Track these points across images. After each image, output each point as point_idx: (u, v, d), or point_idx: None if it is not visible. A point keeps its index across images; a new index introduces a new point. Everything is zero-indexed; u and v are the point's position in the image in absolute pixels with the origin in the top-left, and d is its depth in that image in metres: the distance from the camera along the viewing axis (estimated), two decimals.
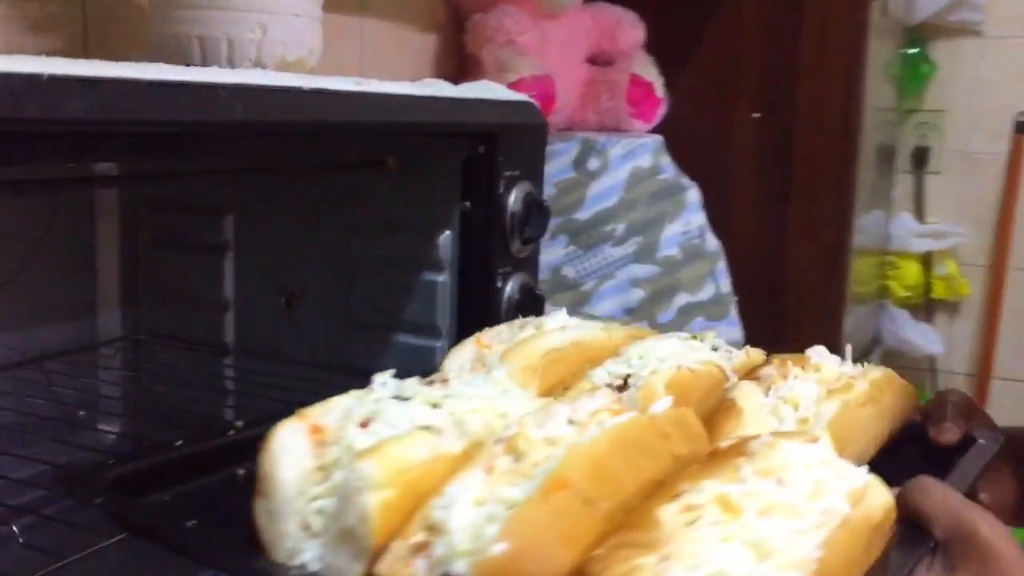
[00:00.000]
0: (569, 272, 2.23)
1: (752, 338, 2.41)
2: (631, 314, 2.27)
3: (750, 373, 1.25)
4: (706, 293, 2.32)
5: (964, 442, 1.28)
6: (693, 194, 2.27)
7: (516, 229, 1.67)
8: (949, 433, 1.27)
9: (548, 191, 2.12)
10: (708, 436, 1.13)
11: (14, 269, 1.73)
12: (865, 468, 0.99)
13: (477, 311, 1.66)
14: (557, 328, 1.37)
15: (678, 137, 2.48)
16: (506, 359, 1.27)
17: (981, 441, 1.29)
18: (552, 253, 2.22)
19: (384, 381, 1.01)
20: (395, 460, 0.87)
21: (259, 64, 1.58)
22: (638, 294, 2.21)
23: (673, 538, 0.78)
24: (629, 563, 0.75)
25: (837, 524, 0.85)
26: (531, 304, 1.75)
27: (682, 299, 2.19)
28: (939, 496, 1.00)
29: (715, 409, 1.18)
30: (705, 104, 2.63)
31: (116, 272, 1.96)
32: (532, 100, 1.80)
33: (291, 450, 0.89)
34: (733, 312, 2.27)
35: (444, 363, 1.32)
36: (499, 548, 0.78)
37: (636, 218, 2.14)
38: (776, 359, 1.29)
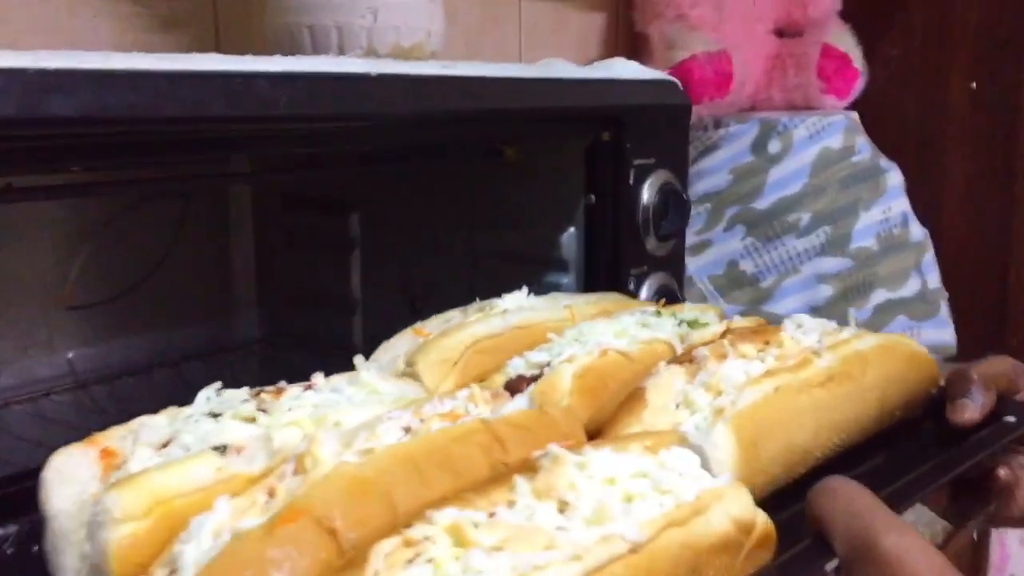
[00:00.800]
0: (747, 267, 2.03)
1: (967, 342, 2.14)
2: (818, 313, 2.09)
3: (686, 353, 1.08)
4: (909, 289, 2.04)
5: (989, 420, 1.04)
6: (894, 177, 2.06)
7: (651, 224, 1.50)
8: (965, 411, 1.03)
9: (723, 178, 1.98)
10: (607, 434, 0.99)
11: (149, 269, 1.79)
12: (727, 475, 0.82)
13: None
14: (498, 312, 1.25)
15: (877, 114, 2.24)
16: (422, 351, 1.17)
17: (1008, 419, 1.04)
18: (728, 246, 2.03)
19: (208, 396, 0.95)
20: (153, 488, 0.82)
21: (371, 52, 1.49)
22: (826, 291, 1.99)
23: None
24: None
25: (610, 557, 0.70)
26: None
27: (880, 296, 2.00)
28: (841, 501, 0.80)
29: (623, 400, 1.03)
30: (911, 76, 2.39)
31: (251, 272, 2.01)
32: (673, 79, 1.64)
33: (68, 478, 0.86)
34: (943, 311, 2.06)
35: (374, 355, 1.24)
36: None
37: (824, 206, 1.92)
38: (732, 333, 1.10)
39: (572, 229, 1.55)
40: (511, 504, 0.74)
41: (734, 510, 0.78)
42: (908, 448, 1.08)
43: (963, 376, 1.06)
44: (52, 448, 0.86)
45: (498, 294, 1.49)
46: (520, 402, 0.93)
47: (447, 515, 0.71)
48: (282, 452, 0.90)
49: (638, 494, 0.76)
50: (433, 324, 1.29)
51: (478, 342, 1.19)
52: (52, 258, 1.66)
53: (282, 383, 0.99)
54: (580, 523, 0.72)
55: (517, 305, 1.29)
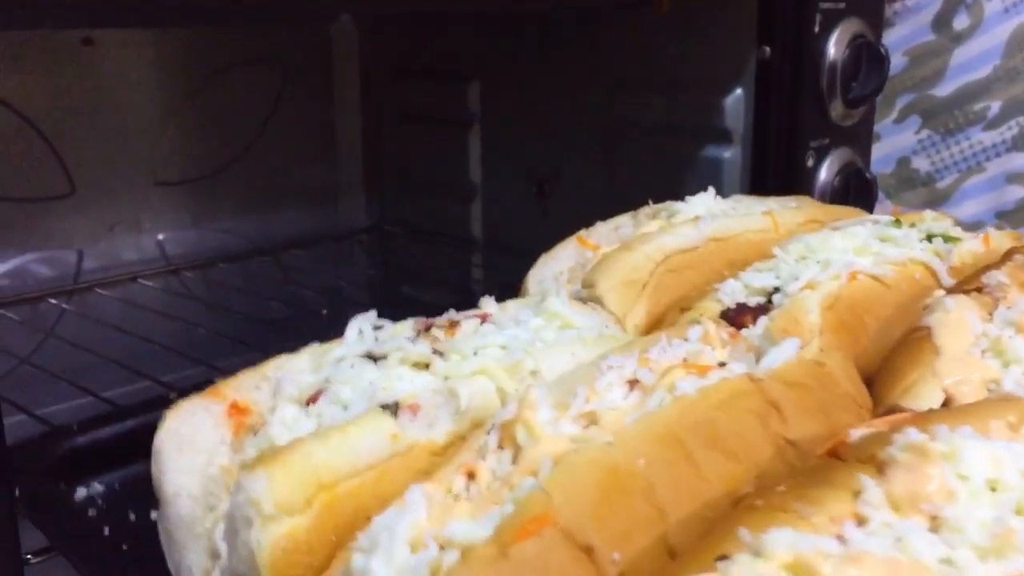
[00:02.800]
0: (922, 164, 1.74)
1: None
2: (1005, 219, 1.80)
3: (969, 280, 0.82)
4: None
5: None
6: None
7: (838, 85, 1.22)
8: None
9: (897, 61, 1.66)
10: (884, 392, 0.74)
11: (244, 145, 1.60)
12: None
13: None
14: (689, 220, 0.99)
15: None
16: (602, 270, 0.92)
17: None
18: (899, 140, 1.73)
19: (360, 329, 0.72)
20: (313, 469, 0.58)
21: None
22: (1017, 192, 1.68)
23: None
24: None
25: None
26: (859, 192, 1.27)
27: None
28: None
29: (899, 345, 0.78)
30: None
31: (357, 152, 1.79)
32: None
33: (189, 444, 0.63)
34: None
35: (530, 274, 1.00)
36: None
37: (1018, 93, 1.63)
38: (1020, 254, 0.84)
39: (739, 91, 1.25)
40: (861, 520, 0.50)
41: None
42: None
43: None
44: (136, 332, 0.65)
45: (641, 174, 1.25)
46: (787, 350, 0.68)
47: (781, 540, 0.47)
48: (471, 413, 0.66)
49: None
50: (600, 232, 1.04)
51: (669, 258, 0.94)
52: (138, 127, 1.46)
53: (451, 312, 0.75)
54: (970, 552, 0.48)
55: (707, 211, 1.03)
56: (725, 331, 0.75)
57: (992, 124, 1.67)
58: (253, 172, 1.61)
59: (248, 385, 0.67)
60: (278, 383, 0.65)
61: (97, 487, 0.80)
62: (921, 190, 1.70)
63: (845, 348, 0.79)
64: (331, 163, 1.77)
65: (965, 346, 0.74)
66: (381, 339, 0.70)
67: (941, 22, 1.68)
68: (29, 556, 0.74)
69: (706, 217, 0.99)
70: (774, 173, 1.22)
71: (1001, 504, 0.51)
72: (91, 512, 0.76)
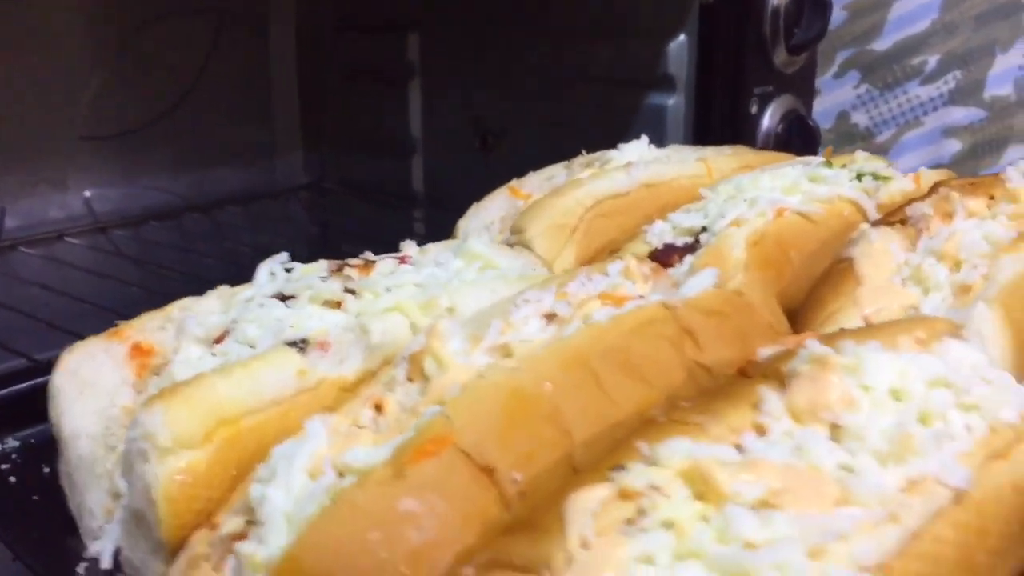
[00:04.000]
0: (860, 119, 1.74)
1: None
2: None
3: (894, 213, 0.82)
4: None
5: None
6: None
7: (781, 31, 1.20)
8: None
9: (836, 15, 1.61)
10: (806, 322, 0.74)
11: (173, 101, 1.53)
12: None
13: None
14: (621, 166, 0.98)
15: None
16: (530, 215, 0.91)
17: None
18: (838, 94, 1.74)
19: (271, 271, 0.70)
20: (213, 403, 0.57)
21: None
22: (953, 146, 1.69)
23: (575, 556, 0.43)
24: None
25: (932, 513, 0.46)
26: (801, 139, 1.25)
27: (1016, 153, 1.69)
28: None
29: (822, 276, 0.77)
30: None
31: (295, 107, 1.73)
32: None
33: (89, 386, 0.62)
34: None
35: (459, 223, 0.98)
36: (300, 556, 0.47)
37: (955, 47, 1.61)
38: (947, 187, 0.83)
39: (682, 37, 1.23)
40: (761, 430, 0.49)
41: None
42: None
43: None
44: (65, 293, 0.63)
45: (586, 123, 1.23)
46: (704, 280, 0.67)
47: (678, 449, 0.46)
48: (383, 349, 0.65)
49: (936, 413, 0.51)
50: (533, 182, 1.03)
51: (599, 203, 0.93)
52: (63, 78, 1.40)
53: (368, 254, 0.74)
54: (869, 458, 0.48)
55: (639, 158, 1.02)
56: (647, 266, 0.74)
57: (929, 78, 1.66)
58: (186, 127, 1.55)
59: (152, 327, 0.65)
60: (182, 323, 0.64)
61: (12, 443, 0.78)
62: (860, 144, 1.70)
63: (770, 282, 0.78)
64: (268, 119, 1.71)
65: (887, 275, 0.74)
66: (292, 280, 0.68)
67: None
68: None
69: (638, 163, 0.98)
70: (717, 120, 1.22)
71: (904, 412, 0.50)
72: (4, 466, 0.74)
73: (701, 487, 0.45)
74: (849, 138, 1.72)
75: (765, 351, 0.56)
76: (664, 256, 0.83)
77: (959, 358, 0.56)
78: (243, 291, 0.68)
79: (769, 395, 0.50)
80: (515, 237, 0.89)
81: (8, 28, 1.32)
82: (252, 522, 0.52)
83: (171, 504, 0.54)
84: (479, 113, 1.52)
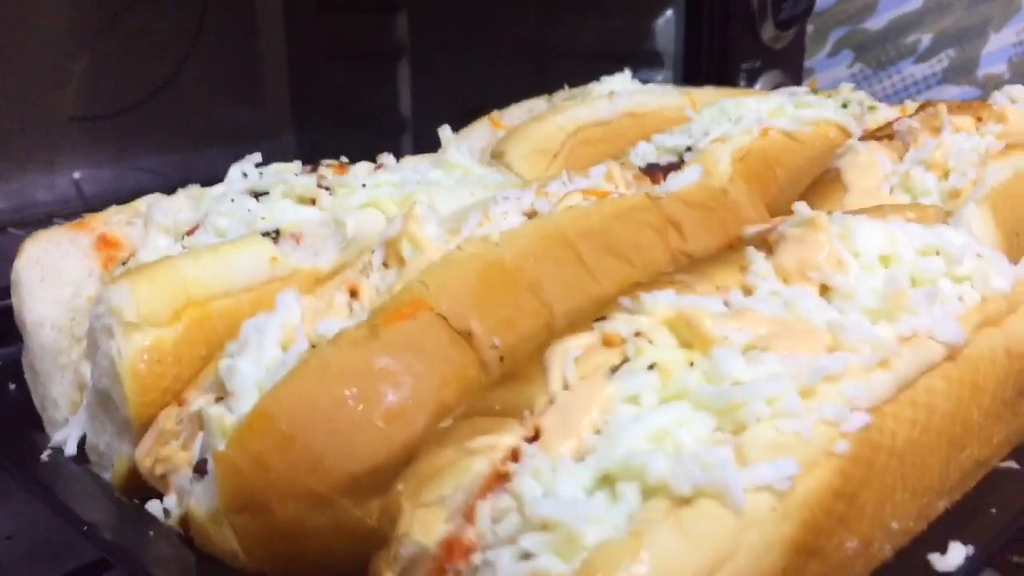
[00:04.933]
0: None
1: None
2: None
3: (881, 129, 0.80)
4: None
5: None
6: None
7: (769, 6, 1.19)
8: None
9: None
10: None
11: (163, 79, 1.48)
12: None
13: None
14: (604, 95, 0.96)
15: None
16: (511, 140, 0.89)
17: None
18: (832, 73, 1.73)
19: (243, 171, 0.68)
20: (182, 283, 0.55)
21: None
22: None
23: (557, 397, 0.41)
24: (467, 453, 0.40)
25: (925, 364, 0.44)
26: None
27: None
28: None
29: (809, 186, 0.76)
30: None
31: (284, 88, 1.68)
32: None
33: (54, 275, 0.59)
34: None
35: (442, 150, 0.96)
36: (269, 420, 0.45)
37: (949, 26, 1.61)
38: (933, 107, 0.82)
39: (669, 12, 1.22)
40: (748, 290, 0.48)
41: None
42: None
43: None
44: None
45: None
46: (689, 175, 0.65)
47: (664, 300, 0.45)
48: (358, 243, 0.62)
49: (927, 279, 0.49)
50: (514, 114, 1.01)
51: (582, 130, 0.91)
52: (50, 58, 1.36)
53: (343, 158, 0.72)
54: (860, 316, 0.46)
55: (622, 89, 1.00)
56: (630, 172, 0.72)
57: (923, 57, 1.66)
58: (175, 108, 1.52)
59: (118, 220, 0.63)
60: (150, 212, 0.62)
61: None
62: None
63: (755, 195, 0.77)
64: (257, 99, 1.66)
65: (874, 184, 0.72)
66: (264, 177, 0.67)
67: None
68: None
69: (621, 93, 0.96)
70: None
71: (893, 275, 0.48)
72: None
73: (687, 335, 0.43)
74: None
75: (752, 228, 0.54)
76: (648, 174, 0.81)
77: (949, 237, 0.55)
78: (214, 189, 0.66)
79: (756, 256, 0.49)
80: (495, 161, 0.87)
81: None
82: (223, 398, 0.50)
83: (137, 380, 0.52)
84: (468, 91, 1.48)
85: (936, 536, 0.41)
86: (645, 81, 1.25)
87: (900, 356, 0.43)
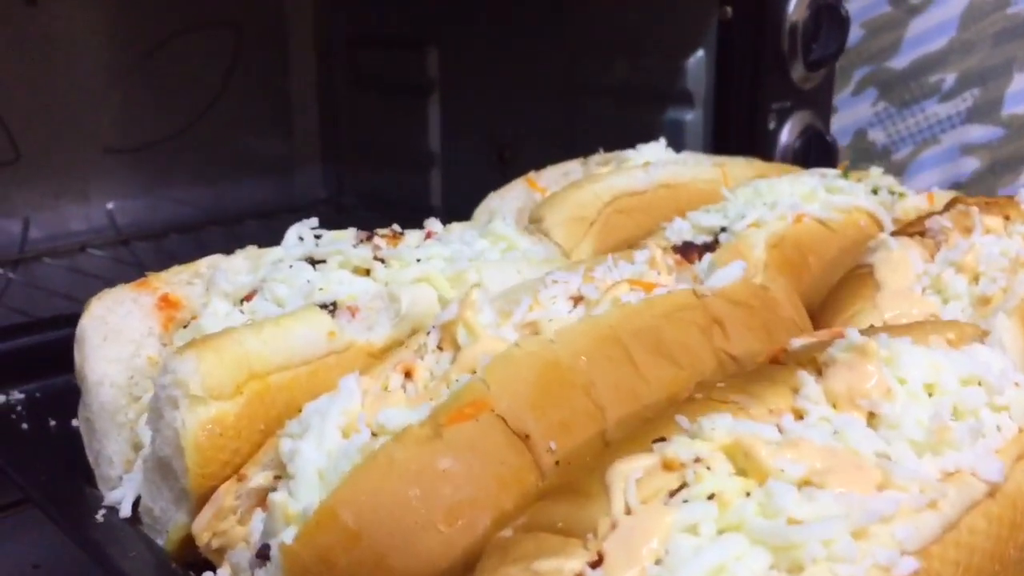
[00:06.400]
0: (878, 136, 1.71)
1: None
2: (960, 190, 1.68)
3: (913, 224, 0.83)
4: None
5: None
6: None
7: (799, 47, 1.19)
8: None
9: (853, 33, 1.60)
10: (825, 323, 0.74)
11: (194, 115, 1.51)
12: None
13: None
14: (639, 165, 0.99)
15: None
16: (550, 206, 0.91)
17: None
18: (856, 112, 1.72)
19: (299, 235, 0.70)
20: (244, 357, 0.56)
21: None
22: (971, 164, 1.66)
23: (619, 523, 0.43)
24: (535, 573, 0.41)
25: (968, 503, 0.46)
26: (819, 155, 1.24)
27: None
28: None
29: (842, 280, 0.78)
30: None
31: (314, 122, 1.73)
32: None
33: (115, 333, 0.61)
34: None
35: (478, 209, 0.98)
36: (336, 513, 0.47)
37: (973, 65, 1.64)
38: (963, 203, 0.85)
39: (701, 53, 1.22)
40: (800, 414, 0.50)
41: None
42: None
43: None
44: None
45: (603, 138, 1.19)
46: (732, 272, 0.67)
47: (720, 425, 0.47)
48: (411, 318, 0.64)
49: (969, 410, 0.51)
50: (549, 176, 1.03)
51: (617, 199, 0.93)
52: (85, 91, 1.39)
53: (395, 227, 0.74)
54: (906, 447, 0.48)
55: (657, 159, 1.02)
56: (671, 258, 0.74)
57: (947, 96, 1.66)
58: (207, 141, 1.53)
59: (180, 280, 0.65)
60: (212, 278, 0.63)
61: (17, 395, 0.77)
62: (877, 162, 1.69)
63: (789, 284, 0.79)
64: (287, 133, 1.68)
65: (906, 283, 0.74)
66: (321, 245, 0.68)
67: None
68: None
69: (656, 163, 0.98)
70: (735, 135, 1.21)
71: (938, 406, 0.51)
72: (12, 416, 0.73)
73: (743, 463, 0.45)
74: (866, 155, 1.70)
75: (797, 341, 0.56)
76: (684, 252, 0.83)
77: (987, 361, 0.57)
78: (272, 253, 0.68)
79: (807, 379, 0.51)
80: (534, 226, 0.89)
81: (32, 43, 1.33)
82: (281, 476, 0.52)
83: (199, 453, 0.53)
84: (496, 127, 1.50)
85: None
86: (676, 119, 1.27)
87: (946, 496, 0.46)
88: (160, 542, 0.56)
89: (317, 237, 0.70)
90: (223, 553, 0.52)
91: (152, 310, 0.62)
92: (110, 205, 1.47)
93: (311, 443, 0.51)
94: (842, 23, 1.23)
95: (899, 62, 1.70)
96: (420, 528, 0.46)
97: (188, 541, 0.55)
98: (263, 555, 0.48)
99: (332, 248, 0.67)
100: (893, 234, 0.82)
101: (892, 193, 0.95)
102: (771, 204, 0.86)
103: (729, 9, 1.18)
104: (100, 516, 0.58)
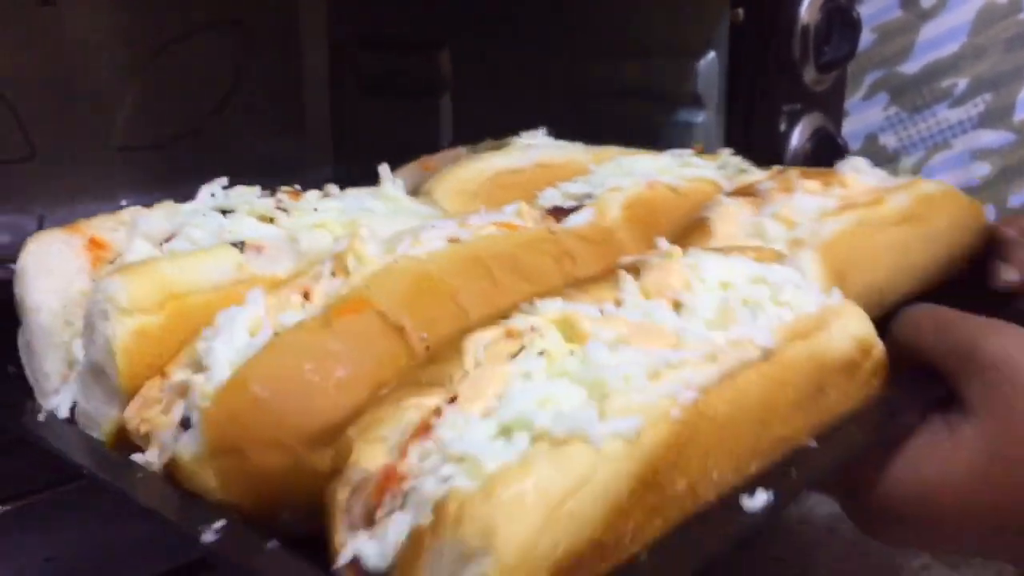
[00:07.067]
0: (889, 140, 1.70)
1: None
2: (971, 195, 1.81)
3: (745, 189, 0.97)
4: None
5: None
6: None
7: (811, 49, 1.20)
8: (1005, 275, 0.93)
9: (865, 37, 1.52)
10: None
11: (205, 114, 1.52)
12: (838, 294, 0.72)
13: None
14: (520, 147, 1.12)
15: None
16: (438, 180, 1.03)
17: None
18: (867, 116, 1.71)
19: (213, 192, 0.80)
20: (165, 280, 0.67)
21: None
22: (982, 169, 1.64)
23: (471, 374, 0.55)
24: (397, 411, 0.53)
25: (744, 362, 0.59)
26: (831, 156, 1.22)
27: None
28: (927, 322, 0.72)
29: (681, 230, 0.92)
30: None
31: (325, 122, 1.72)
32: None
33: (50, 269, 0.71)
34: None
35: (380, 184, 1.09)
36: (246, 384, 0.57)
37: (985, 70, 1.64)
38: (789, 172, 0.99)
39: (712, 55, 1.22)
40: (619, 303, 0.62)
41: (854, 329, 0.69)
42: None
43: (1002, 237, 0.97)
44: None
45: (614, 140, 1.22)
46: (583, 216, 0.80)
47: (554, 306, 0.59)
48: (310, 256, 0.76)
49: (757, 301, 0.65)
50: (441, 159, 1.15)
51: (499, 175, 1.06)
52: (101, 88, 1.41)
53: (296, 186, 0.85)
54: (702, 324, 0.61)
55: (541, 142, 1.16)
56: (538, 212, 0.87)
57: (958, 101, 1.65)
58: (219, 140, 1.55)
59: (105, 227, 0.74)
60: (134, 222, 0.73)
61: None
62: (889, 167, 1.67)
63: (637, 238, 0.92)
64: (298, 133, 1.70)
65: (734, 231, 0.88)
66: (231, 198, 0.79)
67: None
68: None
69: (535, 146, 1.11)
70: (746, 137, 1.22)
71: (729, 296, 0.64)
72: None
73: (569, 333, 0.58)
74: (877, 159, 1.59)
75: (626, 258, 0.69)
76: (552, 214, 0.96)
77: (777, 272, 0.70)
78: (187, 205, 0.78)
79: (627, 278, 0.64)
80: (424, 196, 1.01)
81: (47, 42, 1.35)
82: (202, 369, 0.63)
83: (127, 356, 0.63)
84: (509, 126, 1.40)
85: (747, 486, 0.56)
86: (687, 122, 1.28)
87: (726, 354, 0.59)
88: (95, 435, 0.65)
89: (226, 192, 0.80)
90: (150, 437, 0.62)
91: (82, 250, 0.72)
92: (124, 202, 1.48)
93: (223, 342, 0.62)
94: (854, 26, 1.24)
95: (910, 67, 1.68)
96: (314, 392, 0.57)
97: (120, 434, 0.64)
98: (185, 424, 0.59)
99: (240, 200, 0.78)
100: (728, 195, 0.96)
101: (736, 168, 1.10)
102: (629, 174, 0.99)
103: (741, 11, 1.19)
104: (42, 417, 0.67)
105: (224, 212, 0.77)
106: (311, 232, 0.76)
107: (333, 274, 0.71)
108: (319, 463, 0.56)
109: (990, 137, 1.69)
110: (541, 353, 0.56)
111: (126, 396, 0.64)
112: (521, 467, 0.47)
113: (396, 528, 0.49)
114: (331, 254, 0.71)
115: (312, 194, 0.83)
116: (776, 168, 1.12)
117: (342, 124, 1.73)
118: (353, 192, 0.90)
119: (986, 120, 1.70)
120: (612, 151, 1.18)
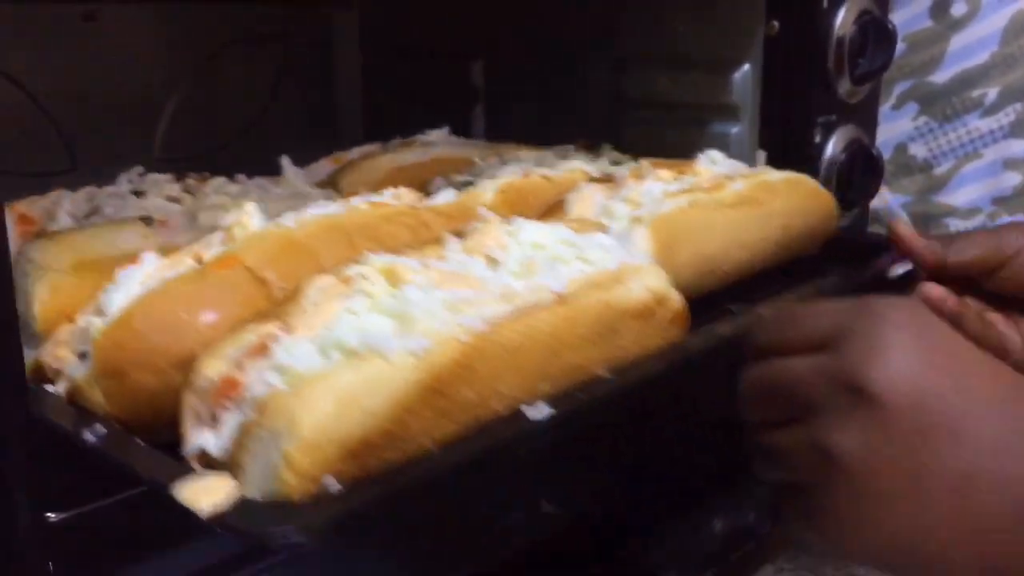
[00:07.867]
0: (918, 150, 1.69)
1: None
2: (1002, 204, 1.74)
3: (604, 178, 1.11)
4: None
5: None
6: None
7: (846, 61, 1.19)
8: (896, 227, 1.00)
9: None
10: None
11: (246, 123, 1.56)
12: (645, 256, 0.86)
13: None
14: (423, 144, 1.26)
15: None
16: (343, 171, 1.18)
17: None
18: (896, 126, 1.69)
19: (130, 178, 0.94)
20: (77, 245, 0.81)
21: None
22: (1013, 179, 1.64)
23: (307, 310, 0.68)
24: (241, 335, 0.67)
25: (538, 303, 0.73)
26: (865, 167, 1.26)
27: None
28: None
29: (542, 212, 1.06)
30: None
31: (359, 134, 1.71)
32: None
33: None
34: None
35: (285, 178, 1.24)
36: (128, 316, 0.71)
37: (1015, 80, 1.65)
38: (643, 162, 1.14)
39: (747, 67, 1.24)
40: (442, 258, 0.76)
41: (651, 283, 0.82)
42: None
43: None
44: None
45: (647, 151, 1.26)
46: (447, 195, 0.94)
47: (382, 259, 0.73)
48: (206, 230, 0.90)
49: (563, 259, 0.79)
50: (352, 154, 1.30)
51: (401, 168, 1.20)
52: (141, 102, 1.46)
53: (206, 173, 0.99)
54: (508, 275, 0.75)
55: (443, 140, 1.30)
56: (415, 195, 1.01)
57: (989, 111, 1.64)
58: (253, 152, 1.48)
59: (34, 206, 0.89)
60: (58, 200, 0.88)
61: None
62: (919, 176, 1.70)
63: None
64: (333, 141, 1.66)
65: (586, 211, 1.02)
66: (145, 183, 0.93)
67: (939, 8, 1.65)
68: None
69: (437, 143, 1.26)
70: (782, 149, 1.24)
71: (536, 254, 0.78)
72: None
73: (392, 280, 0.72)
74: (907, 170, 1.70)
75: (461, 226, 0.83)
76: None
77: (593, 239, 0.84)
78: (106, 189, 0.92)
79: (451, 239, 0.78)
80: (330, 187, 1.15)
81: (90, 57, 1.39)
82: (101, 314, 0.76)
83: (43, 306, 0.77)
84: (541, 137, 1.44)
85: (531, 402, 0.70)
86: (722, 133, 1.33)
87: (522, 296, 0.72)
88: None
89: (142, 177, 0.94)
90: (59, 371, 0.76)
91: (13, 225, 0.86)
92: None
93: (120, 292, 0.76)
94: (889, 37, 1.25)
95: (940, 76, 1.67)
96: (186, 327, 0.71)
97: (38, 371, 0.78)
98: (83, 355, 0.73)
99: (153, 183, 0.92)
100: (589, 182, 1.10)
101: (612, 163, 1.24)
102: (513, 166, 1.14)
103: (776, 24, 1.21)
104: None
105: (137, 194, 0.91)
106: (209, 210, 0.90)
107: (222, 243, 0.85)
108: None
109: (1021, 147, 1.66)
110: (365, 294, 0.70)
111: (43, 340, 0.78)
112: (329, 372, 0.61)
113: (231, 424, 0.62)
114: (222, 226, 0.85)
115: (218, 179, 0.97)
116: (645, 161, 1.26)
117: (375, 134, 1.67)
118: (258, 180, 1.04)
119: (1017, 130, 1.67)
120: (505, 149, 1.32)
